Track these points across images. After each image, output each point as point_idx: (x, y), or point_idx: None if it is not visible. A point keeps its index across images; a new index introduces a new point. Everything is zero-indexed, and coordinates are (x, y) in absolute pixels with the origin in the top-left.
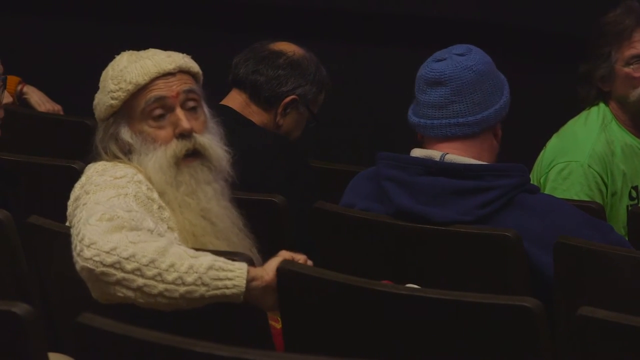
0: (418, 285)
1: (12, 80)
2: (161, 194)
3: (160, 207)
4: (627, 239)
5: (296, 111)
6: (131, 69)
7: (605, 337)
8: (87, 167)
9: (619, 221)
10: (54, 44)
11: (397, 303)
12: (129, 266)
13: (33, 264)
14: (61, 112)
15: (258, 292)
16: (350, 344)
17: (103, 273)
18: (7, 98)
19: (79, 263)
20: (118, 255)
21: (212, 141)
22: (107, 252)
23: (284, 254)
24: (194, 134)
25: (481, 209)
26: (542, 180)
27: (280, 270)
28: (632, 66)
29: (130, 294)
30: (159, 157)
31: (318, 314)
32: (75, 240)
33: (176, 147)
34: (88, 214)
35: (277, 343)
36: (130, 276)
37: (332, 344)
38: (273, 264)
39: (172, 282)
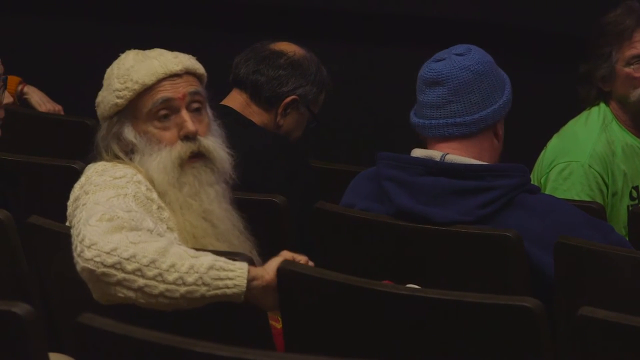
0: (418, 285)
1: (12, 80)
2: (162, 195)
3: (159, 207)
4: (627, 239)
5: (297, 111)
6: (138, 68)
7: (606, 337)
8: (86, 168)
9: (620, 221)
10: (54, 44)
11: (397, 303)
12: (130, 267)
13: (33, 264)
14: (61, 112)
15: (258, 291)
16: (350, 344)
17: (104, 274)
18: (8, 98)
19: (80, 264)
20: (119, 256)
21: (215, 144)
22: (108, 253)
23: (285, 254)
24: (198, 137)
25: (482, 209)
26: (542, 181)
27: (281, 270)
28: (632, 66)
29: (131, 294)
30: (164, 157)
31: (318, 314)
32: (75, 241)
33: (181, 148)
34: (88, 215)
35: (278, 343)
36: (131, 277)
37: (332, 344)
38: (273, 263)
39: (173, 283)
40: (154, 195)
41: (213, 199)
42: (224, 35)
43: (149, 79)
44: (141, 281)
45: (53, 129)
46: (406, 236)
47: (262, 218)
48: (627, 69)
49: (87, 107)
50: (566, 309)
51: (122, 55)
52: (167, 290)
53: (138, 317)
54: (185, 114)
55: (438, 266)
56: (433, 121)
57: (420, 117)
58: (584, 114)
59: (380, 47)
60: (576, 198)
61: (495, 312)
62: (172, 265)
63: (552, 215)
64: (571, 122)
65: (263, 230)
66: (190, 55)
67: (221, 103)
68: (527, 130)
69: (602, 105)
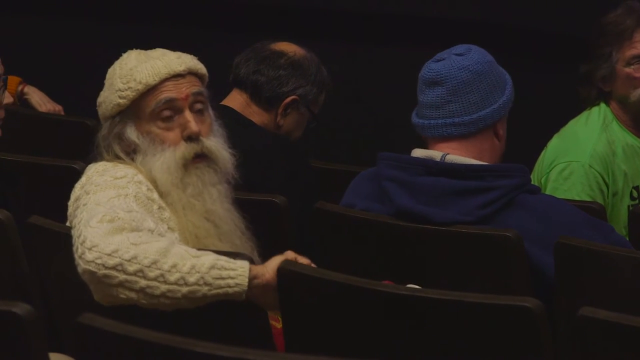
0: (419, 285)
1: (12, 80)
2: (164, 195)
3: (160, 207)
4: (628, 239)
5: (297, 111)
6: (141, 68)
7: (606, 337)
8: (87, 168)
9: (620, 221)
10: (54, 44)
11: (397, 303)
12: (131, 268)
13: (33, 264)
14: (62, 113)
15: (259, 290)
16: (350, 344)
17: (105, 275)
18: (8, 98)
19: (81, 266)
20: (120, 258)
21: (218, 144)
22: (109, 255)
23: (289, 254)
24: (201, 137)
25: (482, 209)
26: (543, 181)
27: (281, 270)
28: (632, 66)
29: (133, 295)
30: (168, 158)
31: (318, 314)
32: (76, 243)
33: (185, 149)
34: (89, 215)
35: (278, 343)
36: (133, 278)
37: (332, 344)
38: (274, 263)
39: (175, 283)
40: (155, 196)
41: (216, 199)
42: (224, 35)
43: (152, 79)
44: (143, 282)
45: (53, 129)
46: (406, 236)
47: (263, 218)
48: (628, 69)
49: (88, 107)
50: (566, 309)
51: (124, 55)
52: (169, 290)
53: (138, 317)
54: (188, 115)
55: (438, 266)
56: (432, 121)
57: (420, 118)
58: (585, 114)
59: (380, 47)
60: (577, 198)
61: (496, 312)
62: (174, 266)
63: (552, 215)
64: (571, 122)
65: (263, 230)
66: (192, 56)
67: (221, 103)
68: (527, 130)
69: (603, 105)
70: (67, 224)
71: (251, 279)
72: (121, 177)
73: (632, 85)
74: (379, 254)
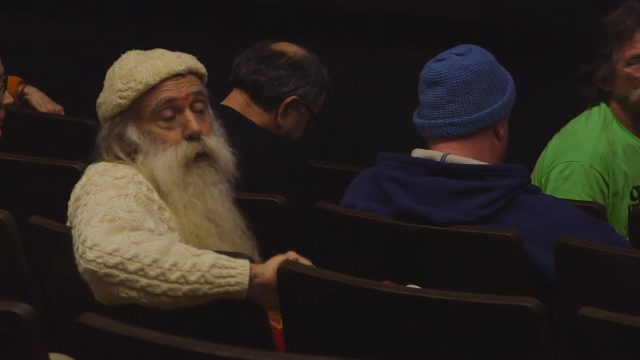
0: (419, 285)
1: (13, 80)
2: (165, 195)
3: (160, 207)
4: (628, 239)
5: (297, 112)
6: (141, 68)
7: (606, 337)
8: (87, 168)
9: (620, 221)
10: (54, 44)
11: (398, 303)
12: (132, 267)
13: (33, 264)
14: (62, 113)
15: (259, 289)
16: (350, 344)
17: (106, 274)
18: (8, 98)
19: (82, 265)
20: (121, 257)
21: (219, 143)
22: (110, 254)
23: (291, 255)
24: (202, 136)
25: (482, 209)
26: (543, 181)
27: (281, 270)
28: (633, 66)
29: (134, 294)
30: (169, 157)
31: (319, 314)
32: (77, 242)
33: (187, 149)
34: (89, 215)
35: (278, 343)
36: (134, 277)
37: (332, 345)
38: (274, 262)
39: (176, 281)
40: (155, 196)
41: (217, 199)
42: (224, 35)
43: (152, 79)
44: (144, 281)
45: (53, 130)
46: (407, 236)
47: (263, 218)
48: (628, 69)
49: (88, 107)
50: (566, 309)
51: (123, 56)
52: (170, 289)
53: (138, 317)
54: (189, 114)
55: (438, 266)
56: (432, 121)
57: (421, 117)
58: (585, 114)
59: (380, 47)
60: (577, 198)
61: (496, 312)
62: (175, 264)
63: (552, 215)
64: (572, 122)
65: (263, 230)
66: (191, 55)
67: (221, 103)
68: (528, 130)
69: (603, 105)
70: (67, 224)
71: (252, 277)
72: (121, 177)
73: (632, 85)
74: (379, 254)
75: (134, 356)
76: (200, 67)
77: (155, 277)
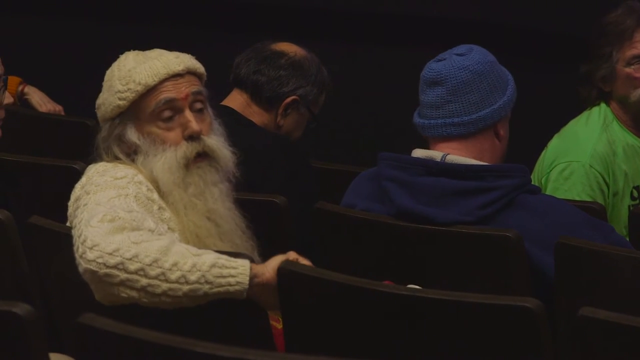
0: (419, 285)
1: (13, 80)
2: (166, 195)
3: (160, 207)
4: (628, 239)
5: (297, 112)
6: (140, 69)
7: (606, 337)
8: (87, 168)
9: (621, 221)
10: (54, 44)
11: (398, 303)
12: (132, 267)
13: (34, 264)
14: (62, 113)
15: (259, 289)
16: (350, 344)
17: (107, 274)
18: (8, 98)
19: (82, 265)
20: (121, 256)
21: (219, 142)
22: (110, 254)
23: (291, 255)
24: (202, 136)
25: (482, 209)
26: (543, 181)
27: (281, 270)
28: (633, 66)
29: (134, 294)
30: (169, 158)
31: (319, 314)
32: (77, 242)
33: (187, 149)
34: (89, 215)
35: (278, 343)
36: (134, 276)
37: (332, 345)
38: (274, 262)
39: (176, 281)
40: (155, 196)
41: (217, 198)
42: (224, 35)
43: (151, 80)
44: (144, 281)
45: (53, 130)
46: (407, 236)
47: (263, 218)
48: (628, 69)
49: (88, 107)
50: (566, 309)
51: (122, 57)
52: (170, 289)
53: (138, 317)
54: (189, 114)
55: (439, 266)
56: (432, 121)
57: (421, 117)
58: (585, 114)
59: (380, 47)
60: (577, 198)
61: (496, 312)
62: (175, 264)
63: (552, 215)
64: (572, 122)
65: (263, 230)
66: (190, 55)
67: (221, 103)
68: (528, 130)
69: (603, 105)
70: (67, 224)
71: (252, 277)
72: (121, 178)
73: (632, 85)
74: (379, 254)
75: (134, 356)
76: (199, 67)
77: (156, 277)
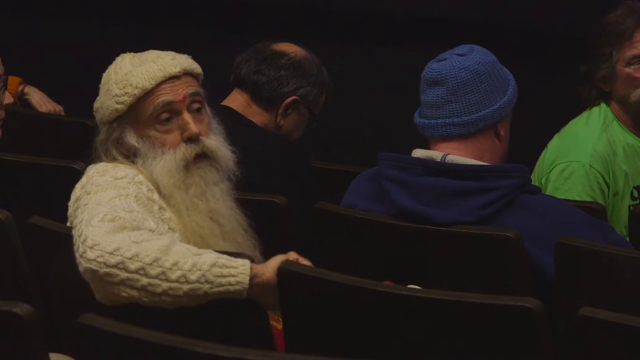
0: (419, 285)
1: (13, 80)
2: (167, 197)
3: (160, 208)
4: (628, 239)
5: (297, 112)
6: (136, 73)
7: (606, 337)
8: (88, 168)
9: (621, 221)
10: (54, 44)
11: (398, 304)
12: (133, 266)
13: (34, 264)
14: (62, 113)
15: (259, 289)
16: (350, 344)
17: (107, 274)
18: (8, 98)
19: (83, 264)
20: (121, 256)
21: (218, 142)
22: (111, 253)
23: (292, 255)
24: (201, 137)
25: (482, 209)
26: (543, 181)
27: (281, 270)
28: (633, 66)
29: (134, 293)
30: (168, 160)
31: (319, 314)
32: (77, 242)
33: (185, 151)
34: (90, 215)
35: (278, 343)
36: (134, 276)
37: (332, 345)
38: (274, 262)
39: (176, 281)
40: (155, 196)
41: (219, 198)
42: (224, 35)
43: (148, 83)
44: (144, 280)
45: (53, 130)
46: (407, 237)
47: (263, 218)
48: (628, 69)
49: (88, 107)
50: (566, 309)
51: (118, 59)
52: (170, 288)
53: (139, 317)
54: (187, 116)
55: (439, 267)
56: (432, 121)
57: (422, 117)
58: (585, 114)
59: (380, 47)
60: (577, 198)
61: (496, 312)
62: (175, 264)
63: (552, 215)
64: (572, 122)
65: (263, 230)
66: (186, 55)
67: (222, 103)
68: (528, 130)
69: (603, 105)
70: (68, 224)
71: (252, 277)
72: (122, 178)
73: (632, 85)
74: (379, 255)
75: (134, 356)
76: (196, 67)
77: (156, 277)
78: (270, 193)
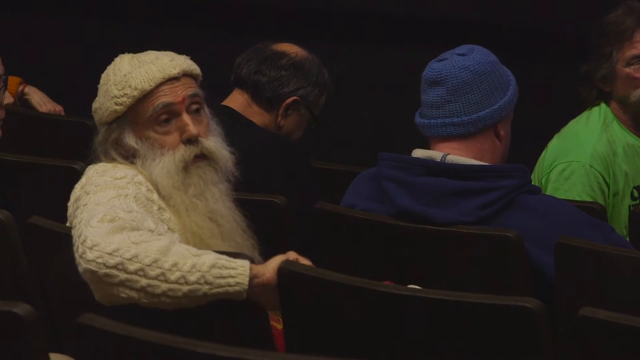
0: (419, 285)
1: (13, 80)
2: (167, 198)
3: (160, 208)
4: (628, 239)
5: (297, 112)
6: (135, 74)
7: (606, 337)
8: (87, 168)
9: (621, 221)
10: (54, 44)
11: (398, 304)
12: (132, 267)
13: (34, 264)
14: (62, 113)
15: (259, 289)
16: (350, 344)
17: (106, 274)
18: (8, 99)
19: (82, 265)
20: (121, 257)
21: (217, 143)
22: (110, 254)
23: (291, 255)
24: (200, 138)
25: (482, 209)
26: (543, 181)
27: (281, 271)
28: (633, 66)
29: (133, 294)
30: (167, 162)
31: (319, 314)
32: (77, 242)
33: (185, 152)
34: (89, 215)
35: (279, 343)
36: (134, 277)
37: (332, 345)
38: (274, 262)
39: (176, 282)
40: (155, 197)
41: (218, 198)
42: (224, 35)
43: (147, 85)
44: (144, 281)
45: (53, 130)
46: (407, 237)
47: (263, 218)
48: (628, 69)
49: (87, 107)
50: (567, 309)
51: (116, 60)
52: (170, 289)
53: (138, 317)
54: (186, 118)
55: (439, 267)
56: (432, 121)
57: (422, 117)
58: (585, 114)
59: (380, 47)
60: (577, 198)
61: (496, 312)
62: (175, 265)
63: (552, 215)
64: (572, 122)
65: (263, 230)
66: (185, 56)
67: (222, 103)
68: (528, 130)
69: (603, 105)
70: (67, 224)
71: (251, 278)
72: (121, 178)
73: (632, 85)
74: (379, 255)
75: (134, 356)
76: (195, 68)
77: (155, 277)
78: (271, 193)
